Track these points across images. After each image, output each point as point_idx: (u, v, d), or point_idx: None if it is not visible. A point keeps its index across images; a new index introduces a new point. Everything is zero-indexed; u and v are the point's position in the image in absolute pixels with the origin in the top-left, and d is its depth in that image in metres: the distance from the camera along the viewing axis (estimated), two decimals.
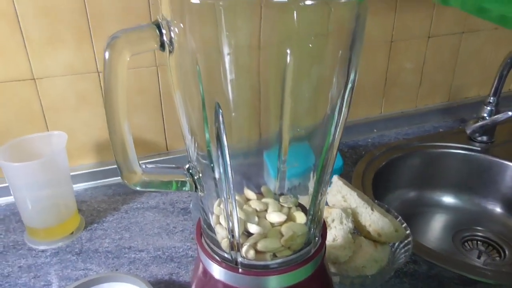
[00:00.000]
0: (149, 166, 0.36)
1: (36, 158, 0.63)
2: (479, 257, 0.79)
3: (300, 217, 0.38)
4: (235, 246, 0.37)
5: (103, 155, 0.83)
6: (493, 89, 0.91)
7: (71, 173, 0.71)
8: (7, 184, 0.72)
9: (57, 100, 0.76)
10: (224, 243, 0.38)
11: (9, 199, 0.76)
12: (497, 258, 0.79)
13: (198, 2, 0.28)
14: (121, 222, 0.72)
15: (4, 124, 0.75)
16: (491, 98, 0.91)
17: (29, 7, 0.68)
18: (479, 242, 0.83)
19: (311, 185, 0.39)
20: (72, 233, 0.69)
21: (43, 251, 0.66)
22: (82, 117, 0.79)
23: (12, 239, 0.69)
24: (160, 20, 0.31)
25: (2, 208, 0.76)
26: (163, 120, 0.84)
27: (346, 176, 0.84)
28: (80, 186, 0.81)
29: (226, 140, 0.33)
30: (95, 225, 0.72)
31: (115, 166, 0.90)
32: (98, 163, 0.83)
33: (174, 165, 0.38)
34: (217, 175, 0.37)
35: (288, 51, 0.32)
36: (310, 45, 0.31)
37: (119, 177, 0.89)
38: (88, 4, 0.71)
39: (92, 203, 0.77)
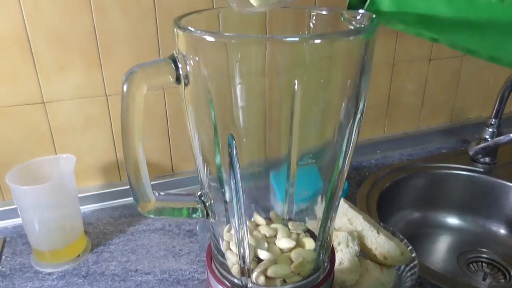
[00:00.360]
0: (162, 193, 0.37)
1: (45, 181, 0.64)
2: (484, 279, 0.79)
3: (309, 243, 0.39)
4: (245, 272, 0.37)
5: (110, 177, 0.84)
6: (494, 111, 0.92)
7: (78, 195, 0.72)
8: (14, 206, 0.73)
9: (65, 123, 0.77)
10: (235, 269, 0.38)
11: (17, 221, 0.77)
12: (502, 280, 0.79)
13: (213, 40, 0.29)
14: (127, 244, 0.72)
15: (14, 146, 0.76)
16: (493, 120, 0.92)
17: (41, 33, 0.70)
18: (484, 264, 0.83)
19: (320, 210, 0.40)
20: (78, 255, 0.70)
21: (49, 274, 0.66)
22: (90, 140, 0.80)
23: (18, 262, 0.69)
24: (176, 55, 0.32)
25: (9, 230, 0.76)
26: (169, 142, 0.85)
27: (351, 197, 0.84)
28: (86, 208, 0.82)
29: (239, 168, 0.34)
30: (102, 247, 0.72)
31: (122, 188, 0.90)
32: (104, 185, 0.84)
33: (185, 193, 0.39)
34: (227, 199, 0.38)
35: (297, 81, 0.33)
36: (320, 78, 0.32)
37: (126, 199, 0.89)
38: (98, 30, 0.73)
39: (98, 225, 0.77)
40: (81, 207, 0.79)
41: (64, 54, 0.73)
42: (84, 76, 0.75)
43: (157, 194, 0.36)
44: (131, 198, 0.36)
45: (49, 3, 0.69)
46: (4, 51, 0.69)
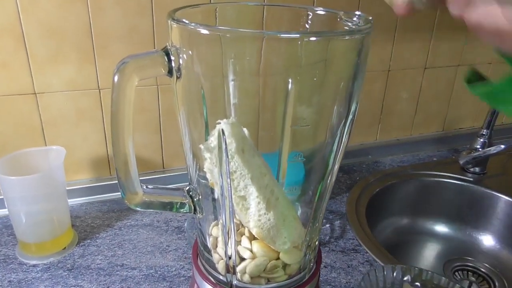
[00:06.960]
0: (150, 187, 0.37)
1: (34, 172, 0.63)
2: None
3: None
4: (231, 269, 0.37)
5: (99, 171, 0.84)
6: (486, 121, 0.92)
7: (67, 188, 0.71)
8: (1, 197, 0.72)
9: (56, 115, 0.77)
10: (220, 265, 0.38)
11: (3, 212, 0.76)
12: None
13: (207, 33, 0.29)
14: (114, 239, 0.72)
15: (3, 137, 0.75)
16: (484, 130, 0.93)
17: (35, 24, 0.69)
18: (469, 273, 0.83)
19: (308, 210, 0.39)
20: (64, 248, 0.69)
21: (34, 265, 0.66)
22: (81, 133, 0.79)
23: (3, 253, 0.68)
24: (169, 47, 0.32)
25: None
26: (161, 138, 0.85)
27: (340, 201, 0.84)
28: (75, 201, 0.81)
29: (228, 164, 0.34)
30: (88, 241, 0.71)
31: (111, 182, 0.90)
32: (94, 178, 0.83)
33: (174, 187, 0.39)
34: (216, 196, 0.38)
35: (290, 80, 0.33)
36: (314, 78, 0.32)
37: (115, 193, 0.89)
38: (93, 24, 0.72)
39: (86, 219, 0.77)
40: (70, 200, 0.78)
41: (58, 46, 0.72)
42: (77, 69, 0.75)
43: (145, 187, 0.36)
44: (120, 192, 0.36)
45: None
46: None
